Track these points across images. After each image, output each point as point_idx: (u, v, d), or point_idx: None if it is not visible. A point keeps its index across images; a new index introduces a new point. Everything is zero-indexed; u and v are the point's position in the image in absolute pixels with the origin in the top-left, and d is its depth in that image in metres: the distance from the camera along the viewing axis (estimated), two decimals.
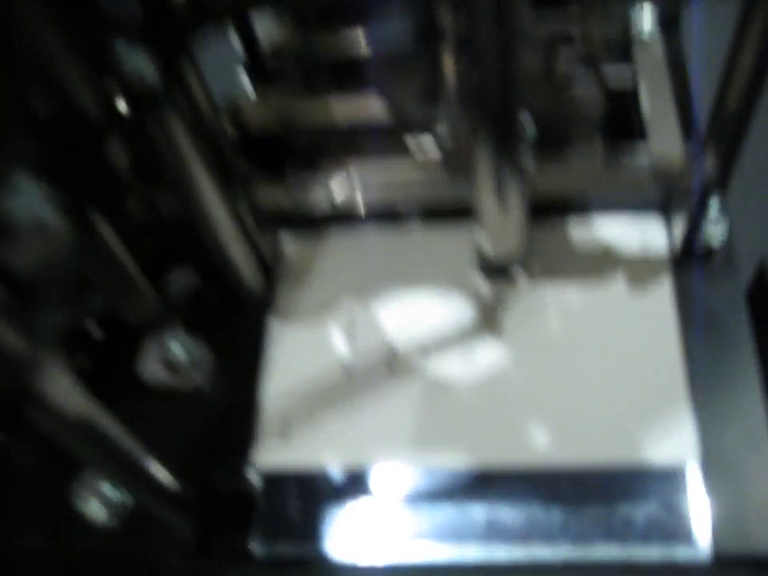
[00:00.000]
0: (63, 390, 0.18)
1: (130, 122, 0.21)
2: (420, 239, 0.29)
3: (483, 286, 0.27)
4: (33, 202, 0.17)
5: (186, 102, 0.22)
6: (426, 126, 0.27)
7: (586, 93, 0.27)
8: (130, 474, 0.23)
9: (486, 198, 0.24)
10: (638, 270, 0.27)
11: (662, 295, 0.26)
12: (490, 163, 0.23)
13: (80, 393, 0.19)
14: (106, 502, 0.25)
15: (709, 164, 0.25)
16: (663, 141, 0.27)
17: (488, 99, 0.21)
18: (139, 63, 0.20)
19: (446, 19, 0.24)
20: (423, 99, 0.26)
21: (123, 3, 0.19)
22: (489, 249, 0.27)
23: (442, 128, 0.26)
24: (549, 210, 0.28)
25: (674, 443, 0.24)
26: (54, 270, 0.19)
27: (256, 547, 0.24)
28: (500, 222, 0.25)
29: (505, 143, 0.22)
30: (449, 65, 0.25)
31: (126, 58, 0.20)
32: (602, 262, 0.27)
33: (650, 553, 0.23)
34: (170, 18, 0.21)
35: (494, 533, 0.23)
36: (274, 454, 0.25)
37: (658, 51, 0.29)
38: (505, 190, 0.24)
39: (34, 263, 0.18)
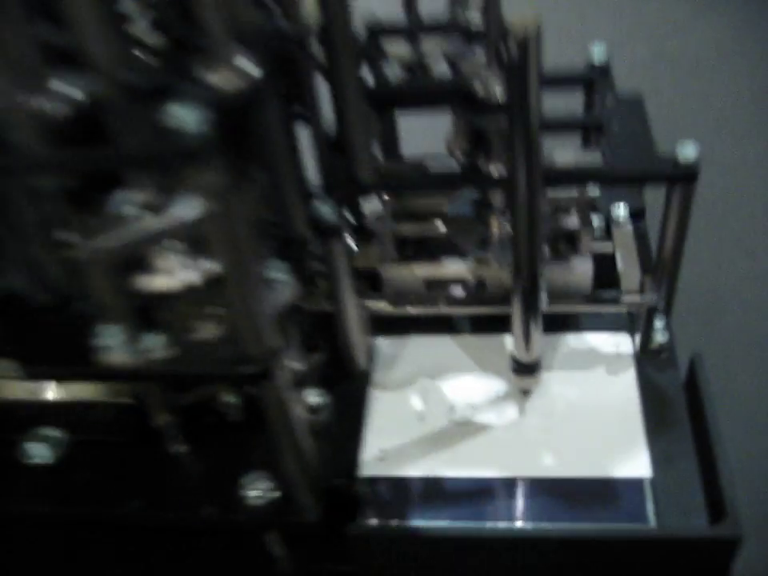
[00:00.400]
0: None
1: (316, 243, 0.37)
2: (473, 343, 0.44)
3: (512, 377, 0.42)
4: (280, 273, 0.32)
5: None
6: (479, 269, 0.42)
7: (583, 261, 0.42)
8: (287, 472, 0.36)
9: (517, 322, 0.39)
10: (613, 363, 0.42)
11: (629, 379, 0.41)
12: (521, 300, 0.38)
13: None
14: (263, 492, 0.38)
15: (658, 299, 0.40)
16: (631, 287, 0.43)
17: (521, 256, 0.36)
18: (327, 211, 0.36)
19: (494, 198, 0.41)
20: (477, 249, 0.42)
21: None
22: (518, 354, 0.41)
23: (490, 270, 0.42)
24: (554, 328, 0.43)
25: (635, 464, 0.38)
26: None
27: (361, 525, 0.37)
28: (526, 339, 0.40)
29: (531, 288, 0.37)
30: (495, 226, 0.41)
31: (320, 208, 0.36)
32: (590, 359, 0.42)
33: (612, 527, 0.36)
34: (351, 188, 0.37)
35: (512, 515, 0.37)
36: (373, 469, 0.39)
37: (629, 231, 0.46)
38: (529, 320, 0.39)
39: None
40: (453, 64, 0.42)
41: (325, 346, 0.41)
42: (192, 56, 0.27)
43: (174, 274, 0.30)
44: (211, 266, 0.29)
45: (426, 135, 0.46)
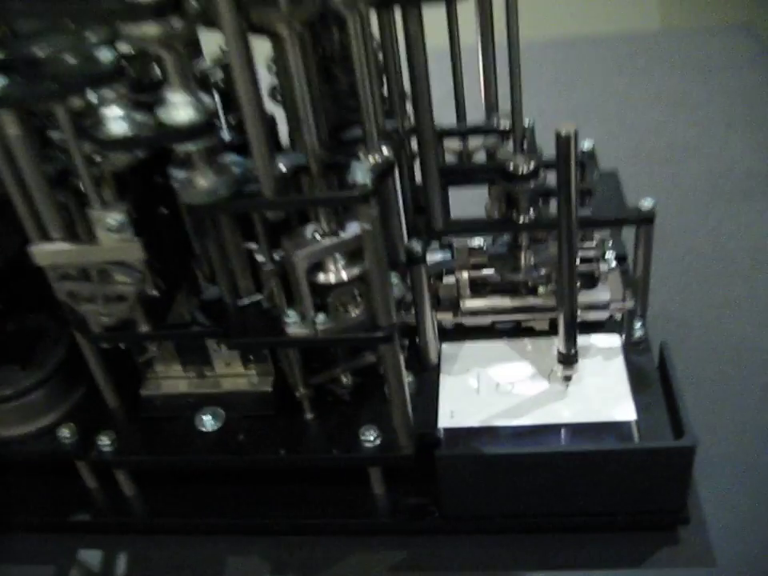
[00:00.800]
0: None
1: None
2: (512, 345, 0.63)
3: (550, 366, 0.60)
4: (395, 278, 0.52)
5: None
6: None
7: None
8: (394, 419, 0.55)
9: (562, 330, 0.58)
10: (608, 352, 0.61)
11: (619, 362, 0.60)
12: (566, 314, 0.57)
13: None
14: (374, 438, 0.56)
15: (636, 305, 0.60)
16: (617, 298, 0.62)
17: (565, 284, 0.56)
18: (415, 246, 0.55)
19: (522, 239, 0.60)
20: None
21: None
22: (564, 350, 0.59)
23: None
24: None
25: (626, 412, 0.56)
26: None
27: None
28: (571, 341, 0.58)
29: (572, 307, 0.57)
30: (522, 258, 0.61)
31: (411, 244, 0.55)
32: (593, 349, 0.61)
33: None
34: (429, 234, 0.57)
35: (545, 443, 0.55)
36: (446, 422, 0.57)
37: (615, 266, 0.65)
38: (572, 328, 0.57)
39: None
40: (490, 153, 0.63)
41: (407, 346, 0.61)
42: (357, 144, 0.47)
43: (337, 273, 0.49)
44: (360, 268, 0.49)
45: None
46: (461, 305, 0.62)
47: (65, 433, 0.61)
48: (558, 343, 0.58)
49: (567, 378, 0.59)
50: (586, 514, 0.56)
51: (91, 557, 0.63)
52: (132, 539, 0.63)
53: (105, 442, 0.60)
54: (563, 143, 0.47)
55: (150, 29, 0.40)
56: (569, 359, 0.57)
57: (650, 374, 0.59)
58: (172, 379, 0.63)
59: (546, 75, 1.10)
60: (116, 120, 0.44)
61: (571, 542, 0.57)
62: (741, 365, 0.68)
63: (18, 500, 0.65)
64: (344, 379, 0.60)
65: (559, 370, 0.59)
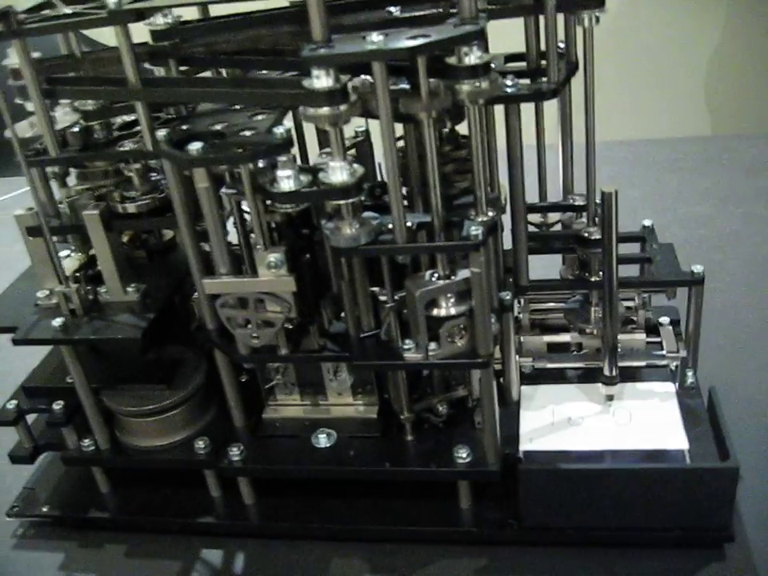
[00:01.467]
0: None
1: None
2: (577, 388, 0.74)
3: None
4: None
5: None
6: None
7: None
8: (484, 439, 0.66)
9: (605, 356, 0.69)
10: (664, 396, 0.71)
11: (673, 403, 0.70)
12: (608, 344, 0.68)
13: None
14: (465, 456, 0.67)
15: (688, 356, 0.71)
16: (672, 350, 0.73)
17: (607, 328, 0.67)
18: (505, 296, 0.67)
19: (593, 297, 0.72)
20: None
21: None
22: (607, 372, 0.70)
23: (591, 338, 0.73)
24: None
25: (680, 441, 0.66)
26: None
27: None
28: (612, 365, 0.70)
29: (613, 340, 0.68)
30: (592, 313, 0.72)
31: (503, 295, 0.67)
32: (652, 393, 0.71)
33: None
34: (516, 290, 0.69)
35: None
36: (526, 446, 0.68)
37: (670, 326, 0.76)
38: (613, 355, 0.69)
39: None
40: (565, 225, 0.75)
41: None
42: (467, 208, 0.60)
43: (447, 308, 0.61)
44: (467, 306, 0.61)
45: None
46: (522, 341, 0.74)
47: (200, 444, 0.72)
48: (603, 368, 0.69)
49: (610, 398, 0.70)
50: (643, 529, 0.66)
51: (212, 556, 0.74)
52: (247, 542, 0.74)
53: (234, 452, 0.71)
54: (607, 198, 0.61)
55: (323, 111, 0.54)
56: (611, 380, 0.69)
57: (700, 414, 0.69)
58: (290, 406, 0.75)
59: (607, 172, 1.23)
60: (287, 179, 0.57)
61: (630, 555, 0.67)
62: None
63: (151, 505, 0.76)
64: (440, 408, 0.71)
65: (603, 389, 0.70)
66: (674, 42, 1.69)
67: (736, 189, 1.17)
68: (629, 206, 1.13)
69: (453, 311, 0.61)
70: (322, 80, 0.53)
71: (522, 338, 0.75)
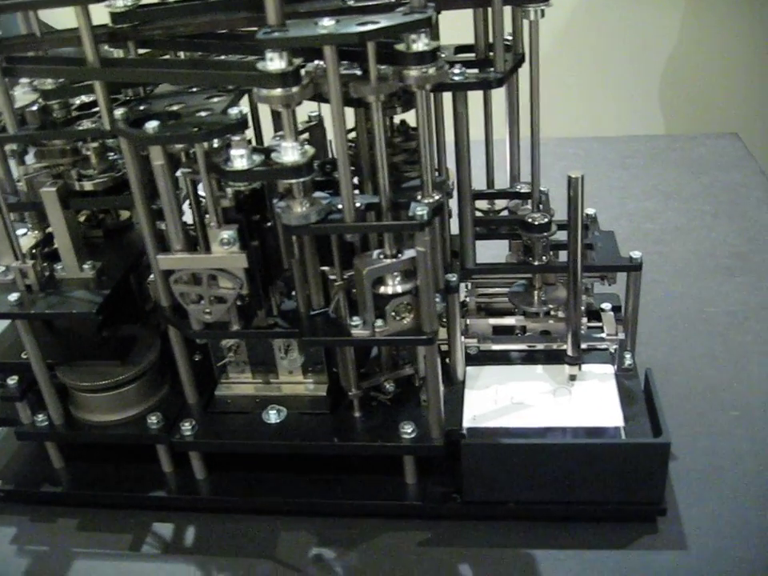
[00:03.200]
0: None
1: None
2: (523, 369, 0.76)
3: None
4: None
5: None
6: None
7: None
8: (429, 415, 0.68)
9: (570, 338, 0.72)
10: (604, 377, 0.74)
11: (611, 384, 0.73)
12: (572, 328, 0.71)
13: None
14: (410, 432, 0.69)
15: (626, 339, 0.74)
16: (612, 332, 0.76)
17: (571, 310, 0.70)
18: (452, 278, 0.70)
19: (536, 280, 0.75)
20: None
21: None
22: (571, 353, 0.73)
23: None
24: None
25: (616, 419, 0.69)
26: None
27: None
28: (577, 346, 0.73)
29: (577, 322, 0.71)
30: (536, 296, 0.75)
31: (449, 277, 0.70)
32: (592, 375, 0.74)
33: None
34: (462, 273, 0.72)
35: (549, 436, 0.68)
36: (470, 423, 0.70)
37: (611, 312, 0.79)
38: (577, 337, 0.72)
39: None
40: (512, 212, 0.78)
41: None
42: (411, 191, 0.62)
43: (394, 286, 0.63)
44: (413, 284, 0.63)
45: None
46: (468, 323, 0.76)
47: (153, 420, 0.74)
48: (567, 349, 0.72)
49: (573, 378, 0.72)
50: (581, 503, 0.69)
51: (163, 529, 0.75)
52: (199, 516, 0.75)
53: (186, 427, 0.73)
54: (574, 182, 0.63)
55: (276, 92, 0.56)
56: (574, 360, 0.72)
57: (636, 394, 0.73)
58: (242, 384, 0.77)
59: (559, 167, 1.27)
60: (240, 158, 0.59)
61: (568, 528, 0.70)
62: (713, 400, 0.82)
63: (104, 479, 0.78)
64: (387, 386, 0.73)
65: (567, 369, 0.73)
66: (629, 42, 1.73)
67: (681, 186, 1.21)
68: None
69: (399, 289, 0.63)
70: (275, 62, 0.55)
71: (468, 321, 0.77)
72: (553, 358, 0.76)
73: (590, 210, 0.80)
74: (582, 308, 0.77)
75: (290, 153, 0.58)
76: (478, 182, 0.77)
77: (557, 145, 1.32)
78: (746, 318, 0.93)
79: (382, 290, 0.63)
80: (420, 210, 0.59)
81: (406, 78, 0.58)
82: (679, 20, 1.74)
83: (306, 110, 0.70)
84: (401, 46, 0.57)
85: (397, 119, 0.71)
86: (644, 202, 1.18)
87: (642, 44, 1.73)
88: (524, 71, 0.70)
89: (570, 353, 0.72)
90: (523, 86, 0.72)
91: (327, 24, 0.55)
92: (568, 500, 0.69)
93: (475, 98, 0.68)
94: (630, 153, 1.31)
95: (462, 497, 0.70)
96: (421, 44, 0.57)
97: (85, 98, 0.72)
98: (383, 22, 0.55)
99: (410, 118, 0.66)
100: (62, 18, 0.65)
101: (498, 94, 0.72)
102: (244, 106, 0.70)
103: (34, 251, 0.73)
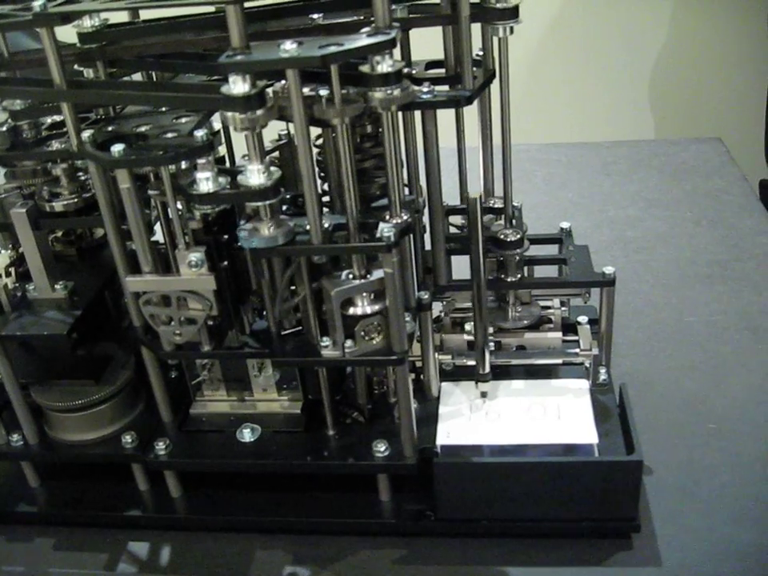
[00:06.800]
0: None
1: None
2: (497, 385, 0.76)
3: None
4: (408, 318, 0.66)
5: None
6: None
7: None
8: (402, 434, 0.68)
9: (480, 357, 0.72)
10: (578, 392, 0.74)
11: (586, 399, 0.73)
12: (480, 346, 0.71)
13: None
14: (383, 450, 0.69)
15: (600, 354, 0.74)
16: (587, 347, 0.76)
17: (479, 327, 0.70)
18: (424, 295, 0.70)
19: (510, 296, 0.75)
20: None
21: None
22: (481, 371, 0.73)
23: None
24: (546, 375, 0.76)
25: (590, 436, 0.69)
26: None
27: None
28: (483, 363, 0.73)
29: (482, 343, 0.71)
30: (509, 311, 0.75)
31: (421, 294, 0.69)
32: (566, 390, 0.74)
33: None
34: (435, 289, 0.72)
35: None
36: (444, 440, 0.70)
37: (586, 325, 0.79)
38: (484, 353, 0.72)
39: None
40: (485, 227, 0.77)
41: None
42: (382, 210, 0.62)
43: (363, 307, 0.63)
44: (382, 305, 0.63)
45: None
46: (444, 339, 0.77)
47: (127, 439, 0.74)
48: (478, 367, 0.73)
49: (484, 395, 0.73)
50: (555, 520, 0.69)
51: (139, 548, 0.75)
52: (175, 535, 0.75)
53: (161, 446, 0.72)
54: (472, 203, 0.64)
55: (240, 115, 0.56)
56: (484, 377, 0.73)
57: (611, 410, 0.72)
58: (217, 402, 0.76)
59: (541, 174, 1.27)
60: (206, 181, 0.59)
61: (543, 545, 0.70)
62: (690, 413, 0.81)
63: (80, 499, 0.77)
64: (362, 401, 0.73)
65: (479, 386, 0.73)
66: (614, 47, 1.73)
67: (663, 192, 1.21)
68: (560, 208, 1.17)
69: (368, 310, 0.63)
70: (238, 85, 0.55)
71: (443, 336, 0.77)
72: (528, 373, 0.76)
73: (564, 224, 0.80)
74: (557, 321, 0.77)
75: (256, 175, 0.58)
76: (451, 197, 0.77)
77: (539, 151, 1.32)
78: (726, 327, 0.93)
79: (352, 310, 0.63)
80: (387, 232, 0.59)
81: (371, 100, 0.57)
82: (665, 25, 1.74)
83: (276, 128, 0.70)
84: (365, 68, 0.57)
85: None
86: (626, 208, 1.18)
87: (628, 49, 1.73)
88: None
89: (479, 370, 0.72)
90: (496, 99, 0.72)
91: (289, 48, 0.54)
92: (542, 517, 0.69)
93: (449, 110, 0.68)
94: (612, 158, 1.31)
95: (436, 514, 0.70)
96: (385, 65, 0.56)
97: (56, 117, 0.72)
98: (346, 44, 0.55)
99: None
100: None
101: (472, 106, 0.72)
102: (216, 122, 0.70)
103: (5, 271, 0.73)
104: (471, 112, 0.73)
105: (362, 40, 0.56)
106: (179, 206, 0.62)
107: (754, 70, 1.71)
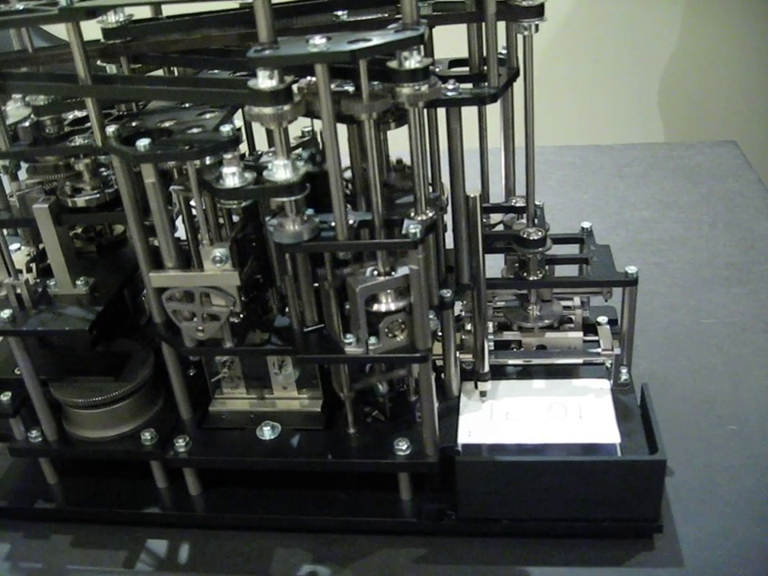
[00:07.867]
0: None
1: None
2: (518, 384, 0.76)
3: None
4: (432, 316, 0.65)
5: None
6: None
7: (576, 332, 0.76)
8: (423, 431, 0.67)
9: (479, 358, 0.72)
10: (599, 392, 0.74)
11: (607, 399, 0.73)
12: (480, 345, 0.71)
13: None
14: (405, 448, 0.68)
15: (622, 354, 0.73)
16: (608, 347, 0.75)
17: (478, 328, 0.70)
18: (447, 293, 0.69)
19: (531, 295, 0.74)
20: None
21: None
22: (480, 370, 0.73)
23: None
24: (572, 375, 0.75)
25: (612, 436, 0.69)
26: None
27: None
28: (483, 362, 0.73)
29: (482, 343, 0.71)
30: (530, 310, 0.75)
31: (444, 292, 0.69)
32: (588, 389, 0.74)
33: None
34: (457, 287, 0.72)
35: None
36: (465, 439, 0.70)
37: (607, 326, 0.79)
38: (483, 353, 0.72)
39: None
40: (507, 226, 0.77)
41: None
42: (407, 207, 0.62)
43: (387, 304, 0.63)
44: (406, 301, 0.63)
45: None
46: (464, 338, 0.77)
47: (147, 436, 0.73)
48: (477, 367, 0.73)
49: (484, 394, 0.73)
50: (576, 520, 0.69)
51: (157, 546, 0.75)
52: (193, 532, 0.75)
53: (180, 444, 0.72)
54: (472, 202, 0.65)
55: (267, 110, 0.55)
56: (484, 377, 0.73)
57: (632, 410, 0.72)
58: (236, 399, 0.76)
59: (556, 176, 1.27)
60: (232, 176, 0.59)
61: (563, 545, 0.69)
62: (709, 414, 0.81)
63: (98, 495, 0.77)
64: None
65: (479, 386, 0.74)
66: (627, 50, 1.73)
67: (679, 195, 1.21)
68: (576, 210, 1.16)
69: (392, 307, 0.63)
70: (266, 80, 0.55)
71: (464, 336, 0.77)
72: (549, 372, 0.76)
73: (585, 224, 0.80)
74: (578, 321, 0.77)
75: (282, 171, 0.58)
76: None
77: (554, 153, 1.32)
78: (744, 329, 0.93)
79: (376, 307, 0.63)
80: (413, 228, 0.59)
81: (398, 96, 0.57)
82: (677, 28, 1.74)
83: (300, 124, 0.70)
84: (393, 64, 0.57)
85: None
86: (642, 211, 1.18)
87: (641, 51, 1.73)
88: (520, 83, 0.70)
89: (479, 369, 0.72)
90: (518, 98, 0.72)
91: (318, 42, 0.54)
92: (563, 517, 0.69)
93: (470, 109, 0.67)
94: (627, 161, 1.31)
95: (456, 513, 0.70)
96: (413, 61, 0.56)
97: (78, 113, 0.72)
98: (375, 39, 0.55)
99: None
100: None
101: (494, 106, 0.71)
102: (238, 119, 0.70)
103: (27, 267, 0.73)
104: (493, 112, 0.73)
105: (391, 36, 0.56)
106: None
107: None
